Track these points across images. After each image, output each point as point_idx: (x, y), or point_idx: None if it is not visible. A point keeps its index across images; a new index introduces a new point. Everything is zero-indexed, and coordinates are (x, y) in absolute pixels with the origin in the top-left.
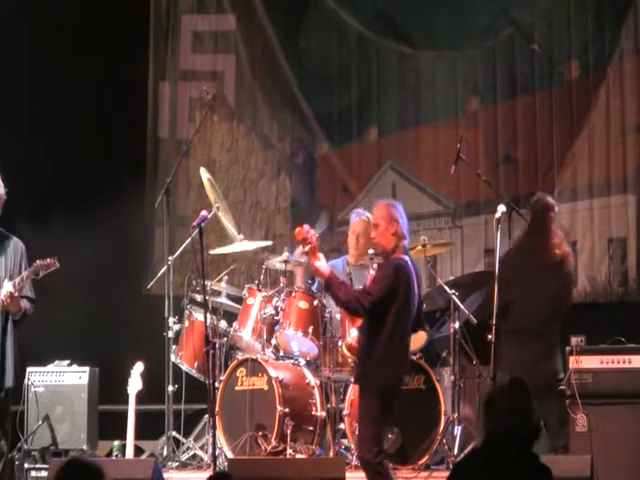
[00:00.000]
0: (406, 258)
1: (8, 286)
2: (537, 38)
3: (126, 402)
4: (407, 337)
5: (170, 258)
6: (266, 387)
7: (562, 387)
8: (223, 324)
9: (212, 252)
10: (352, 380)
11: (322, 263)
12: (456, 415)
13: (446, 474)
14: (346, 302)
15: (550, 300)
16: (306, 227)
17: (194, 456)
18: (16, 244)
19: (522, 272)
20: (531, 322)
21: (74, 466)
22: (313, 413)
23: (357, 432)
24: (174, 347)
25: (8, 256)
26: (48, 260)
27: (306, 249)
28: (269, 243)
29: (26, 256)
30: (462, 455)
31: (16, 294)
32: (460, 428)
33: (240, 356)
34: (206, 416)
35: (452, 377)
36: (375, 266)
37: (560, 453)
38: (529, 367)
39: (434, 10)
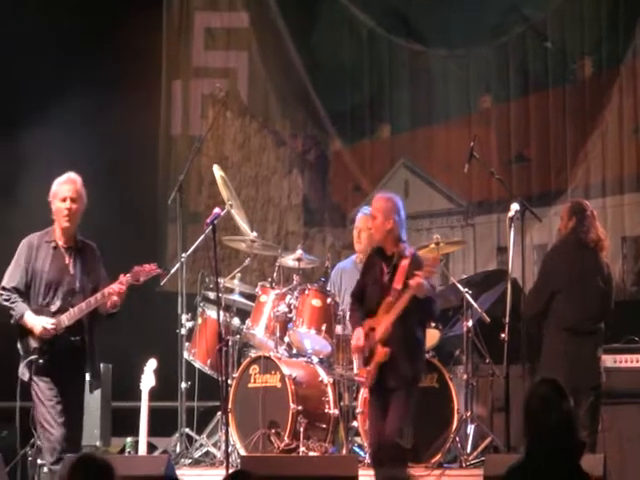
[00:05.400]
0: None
1: (115, 286)
2: (550, 36)
3: (139, 399)
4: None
5: (183, 255)
6: (279, 385)
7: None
8: (236, 321)
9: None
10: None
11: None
12: (469, 413)
13: (459, 472)
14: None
15: (602, 299)
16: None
17: (207, 453)
18: (92, 251)
19: (573, 273)
20: (586, 321)
21: (85, 462)
22: (326, 411)
23: (392, 422)
24: (187, 344)
25: (89, 260)
26: (147, 266)
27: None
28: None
29: (102, 261)
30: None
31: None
32: (473, 426)
33: (253, 354)
34: (219, 413)
35: (465, 375)
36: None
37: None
38: (585, 365)
39: (445, 7)
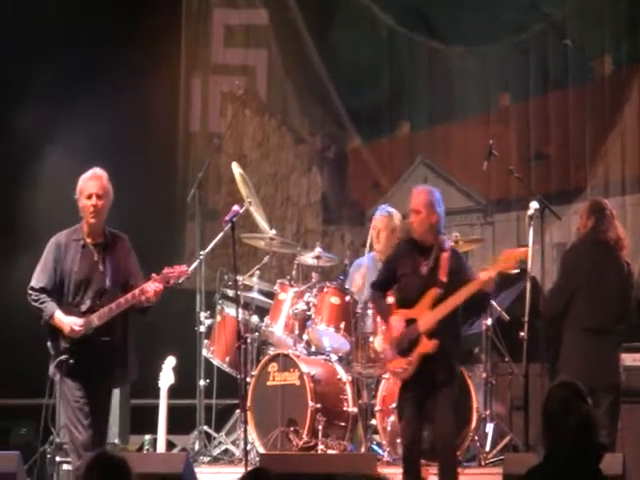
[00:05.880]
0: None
1: (151, 286)
2: (569, 33)
3: (158, 397)
4: None
5: (202, 253)
6: (298, 382)
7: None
8: (255, 319)
9: None
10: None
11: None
12: (488, 412)
13: (478, 471)
14: None
15: (621, 299)
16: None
17: (226, 451)
18: (123, 243)
19: (592, 271)
20: (605, 320)
21: (101, 460)
22: (344, 409)
23: (447, 419)
24: (206, 342)
25: (118, 254)
26: (177, 268)
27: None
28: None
29: (133, 251)
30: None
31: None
32: (492, 425)
33: (272, 351)
34: (237, 411)
35: (484, 374)
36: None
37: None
38: (605, 364)
39: (464, 5)
